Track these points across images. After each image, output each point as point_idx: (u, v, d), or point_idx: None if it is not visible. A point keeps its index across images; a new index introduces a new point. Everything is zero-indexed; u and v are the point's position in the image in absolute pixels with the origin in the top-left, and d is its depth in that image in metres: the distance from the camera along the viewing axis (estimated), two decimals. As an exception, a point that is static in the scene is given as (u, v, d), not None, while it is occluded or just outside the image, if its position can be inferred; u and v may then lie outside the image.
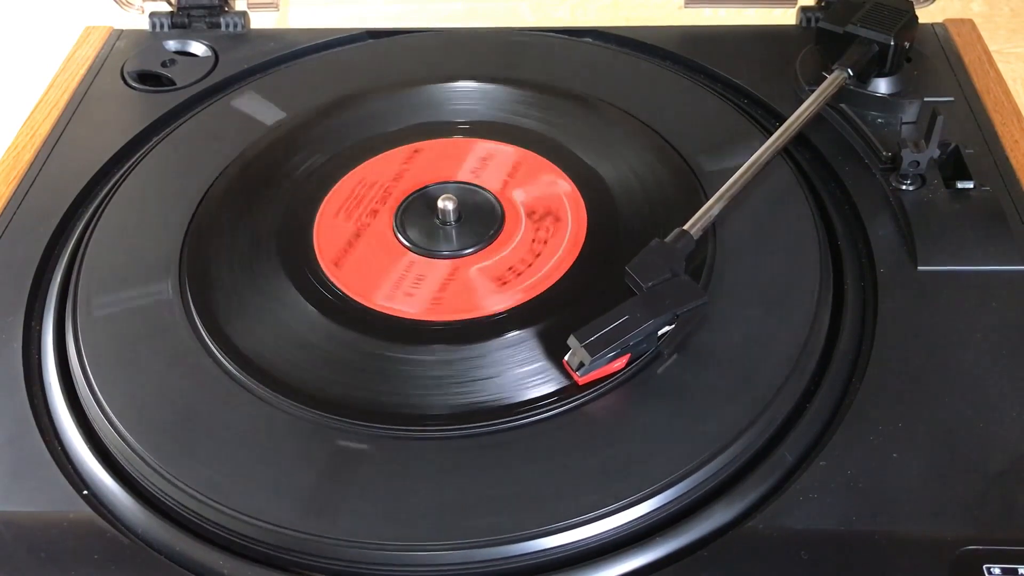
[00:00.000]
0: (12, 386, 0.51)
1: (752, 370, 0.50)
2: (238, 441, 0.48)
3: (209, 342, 0.52)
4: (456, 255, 0.57)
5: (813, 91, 0.62)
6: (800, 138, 0.62)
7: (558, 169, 0.62)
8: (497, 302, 0.54)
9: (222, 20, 0.76)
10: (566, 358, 0.49)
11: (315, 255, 0.57)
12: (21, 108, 0.70)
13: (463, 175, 0.62)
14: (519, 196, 0.60)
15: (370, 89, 0.69)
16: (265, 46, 0.74)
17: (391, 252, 0.57)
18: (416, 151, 0.64)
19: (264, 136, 0.65)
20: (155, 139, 0.66)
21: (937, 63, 0.69)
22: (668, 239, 0.52)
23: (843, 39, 0.65)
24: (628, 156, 0.62)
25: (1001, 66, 0.70)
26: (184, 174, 0.63)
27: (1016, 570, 0.42)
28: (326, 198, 0.60)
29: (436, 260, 0.57)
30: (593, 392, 0.49)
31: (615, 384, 0.49)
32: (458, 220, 0.58)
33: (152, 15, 0.77)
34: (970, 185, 0.58)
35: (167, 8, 0.77)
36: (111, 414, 0.49)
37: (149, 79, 0.72)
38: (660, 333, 0.49)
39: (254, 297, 0.55)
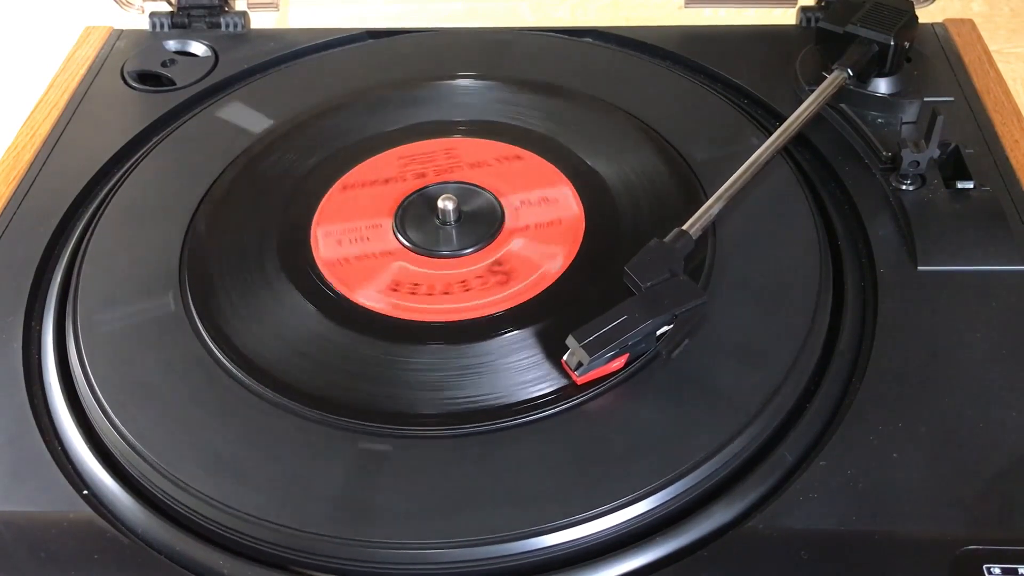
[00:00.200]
0: (12, 386, 0.51)
1: (752, 370, 0.49)
2: (238, 440, 0.48)
3: (209, 342, 0.52)
4: (456, 255, 0.57)
5: (813, 91, 0.62)
6: (800, 138, 0.62)
7: (558, 169, 0.62)
8: (496, 302, 0.54)
9: (222, 20, 0.76)
10: (565, 358, 0.49)
11: (313, 255, 0.57)
12: (21, 108, 0.70)
13: (463, 175, 0.62)
14: (519, 196, 0.60)
15: (370, 89, 0.69)
16: (265, 46, 0.74)
17: (392, 252, 0.57)
18: (416, 151, 0.64)
19: (264, 136, 0.65)
20: (155, 139, 0.66)
21: (937, 63, 0.69)
22: (667, 239, 0.52)
23: (843, 39, 0.65)
24: (628, 156, 0.62)
25: (1001, 66, 0.70)
26: (184, 173, 0.63)
27: (1016, 570, 0.42)
28: (325, 197, 0.60)
29: (436, 260, 0.57)
30: (592, 392, 0.49)
31: (614, 384, 0.49)
32: (458, 220, 0.58)
33: (152, 15, 0.77)
34: (970, 185, 0.58)
35: (167, 8, 0.77)
36: (111, 414, 0.49)
37: (149, 79, 0.72)
38: (659, 333, 0.49)
39: (254, 298, 0.55)
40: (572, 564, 0.43)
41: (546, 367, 0.50)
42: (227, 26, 0.76)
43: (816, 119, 0.62)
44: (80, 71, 0.73)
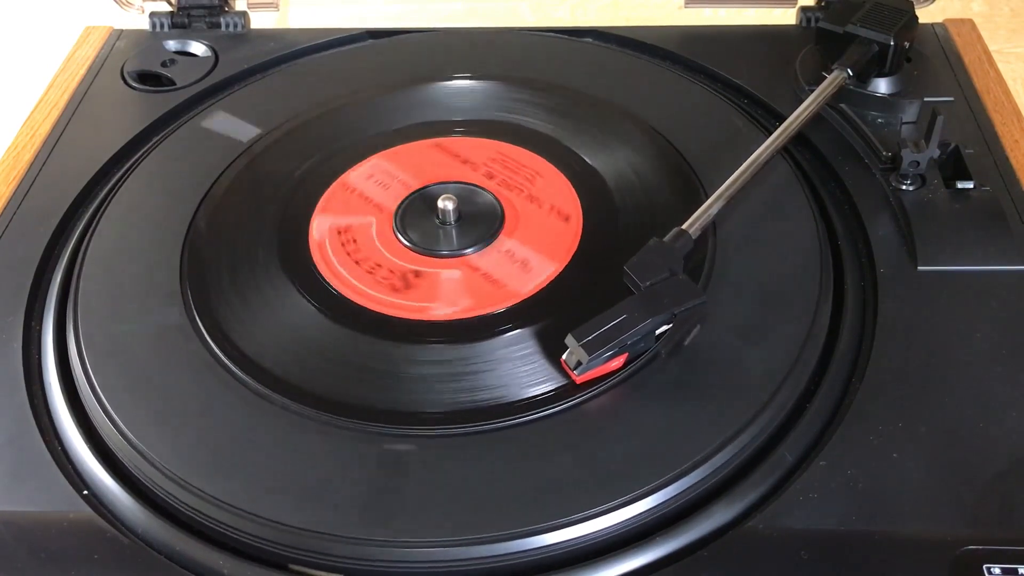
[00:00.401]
0: (12, 386, 0.51)
1: (752, 370, 0.49)
2: (238, 440, 0.48)
3: (209, 341, 0.52)
4: (456, 255, 0.57)
5: (813, 91, 0.62)
6: (800, 138, 0.62)
7: (558, 169, 0.62)
8: (496, 301, 0.54)
9: (222, 20, 0.76)
10: (564, 357, 0.49)
11: (311, 255, 0.57)
12: (21, 108, 0.70)
13: (463, 175, 0.62)
14: (518, 195, 0.60)
15: (370, 89, 0.69)
16: (265, 46, 0.74)
17: (391, 252, 0.57)
18: (416, 151, 0.64)
19: (264, 135, 0.65)
20: (155, 139, 0.66)
21: (937, 63, 0.69)
22: (667, 238, 0.52)
23: (843, 39, 0.65)
24: (628, 155, 0.62)
25: (1001, 66, 0.70)
26: (185, 173, 0.63)
27: (1016, 570, 0.42)
28: (324, 197, 0.60)
29: (436, 260, 0.57)
30: (591, 391, 0.49)
31: (613, 383, 0.49)
32: (458, 220, 0.58)
33: (152, 15, 0.77)
34: (970, 185, 0.58)
35: (167, 8, 0.77)
36: (112, 414, 0.49)
37: (149, 79, 0.72)
38: (658, 332, 0.49)
39: (254, 296, 0.55)
40: (572, 564, 0.43)
41: (545, 366, 0.50)
42: (227, 26, 0.76)
43: (816, 119, 0.62)
44: (80, 71, 0.73)
